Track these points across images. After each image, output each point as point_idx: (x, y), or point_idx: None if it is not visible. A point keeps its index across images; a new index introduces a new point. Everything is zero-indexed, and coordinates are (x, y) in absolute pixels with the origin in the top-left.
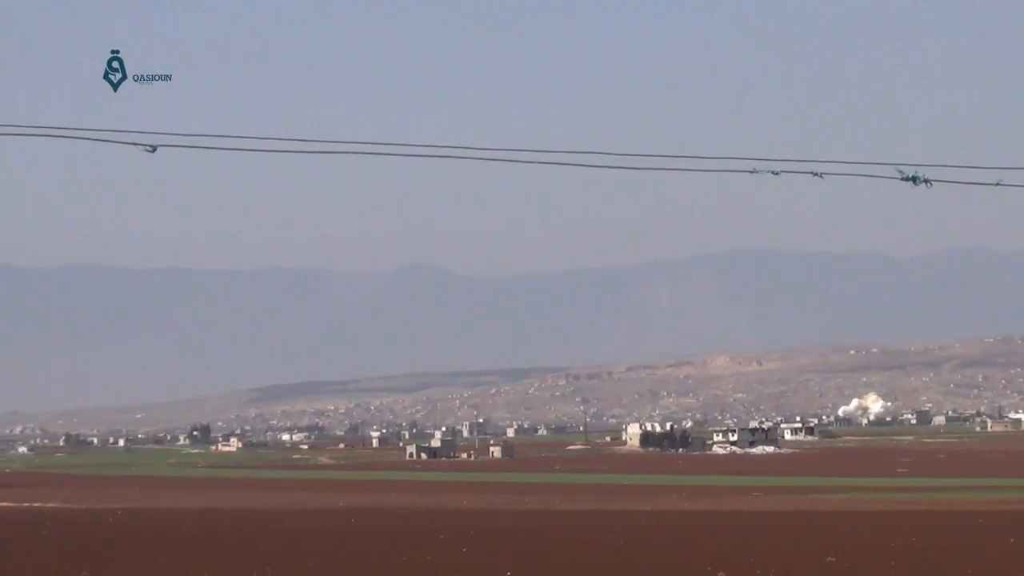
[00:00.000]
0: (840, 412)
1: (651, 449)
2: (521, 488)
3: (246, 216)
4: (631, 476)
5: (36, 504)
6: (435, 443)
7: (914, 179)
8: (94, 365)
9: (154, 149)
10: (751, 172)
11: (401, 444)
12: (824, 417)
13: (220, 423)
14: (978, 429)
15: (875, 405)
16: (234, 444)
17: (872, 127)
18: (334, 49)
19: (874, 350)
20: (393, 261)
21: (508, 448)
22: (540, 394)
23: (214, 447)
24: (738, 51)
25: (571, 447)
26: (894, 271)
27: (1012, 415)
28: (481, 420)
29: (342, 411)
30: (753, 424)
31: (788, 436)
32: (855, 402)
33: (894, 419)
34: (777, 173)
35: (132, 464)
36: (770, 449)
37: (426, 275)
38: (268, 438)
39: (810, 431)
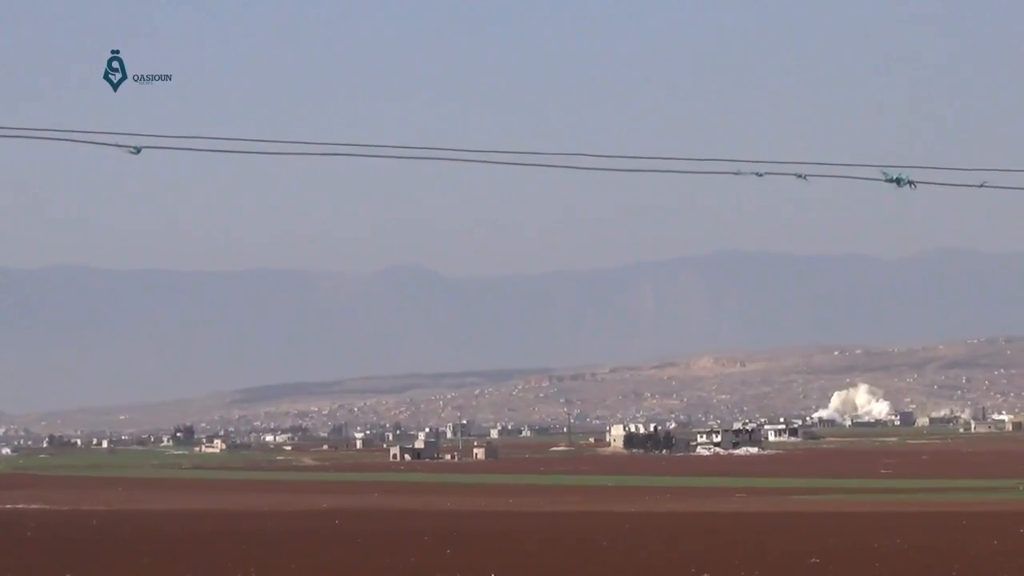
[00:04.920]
0: (823, 413)
1: (635, 450)
2: (505, 489)
3: (231, 217)
4: (615, 477)
5: (20, 505)
6: (419, 444)
7: (898, 180)
8: (78, 366)
9: (138, 151)
10: (735, 174)
11: (385, 445)
12: (808, 418)
13: (204, 424)
14: (961, 430)
15: (871, 399)
16: (218, 445)
17: (856, 129)
18: (319, 50)
19: (858, 351)
20: (377, 262)
21: (492, 449)
22: (524, 395)
23: (198, 448)
24: (722, 53)
25: (555, 448)
26: (878, 272)
27: (995, 416)
28: (465, 421)
29: (326, 412)
30: (737, 425)
31: (772, 437)
32: (837, 396)
33: (877, 421)
34: (761, 175)
35: (116, 465)
36: (754, 450)
37: (410, 276)
38: (252, 439)
39: (793, 432)
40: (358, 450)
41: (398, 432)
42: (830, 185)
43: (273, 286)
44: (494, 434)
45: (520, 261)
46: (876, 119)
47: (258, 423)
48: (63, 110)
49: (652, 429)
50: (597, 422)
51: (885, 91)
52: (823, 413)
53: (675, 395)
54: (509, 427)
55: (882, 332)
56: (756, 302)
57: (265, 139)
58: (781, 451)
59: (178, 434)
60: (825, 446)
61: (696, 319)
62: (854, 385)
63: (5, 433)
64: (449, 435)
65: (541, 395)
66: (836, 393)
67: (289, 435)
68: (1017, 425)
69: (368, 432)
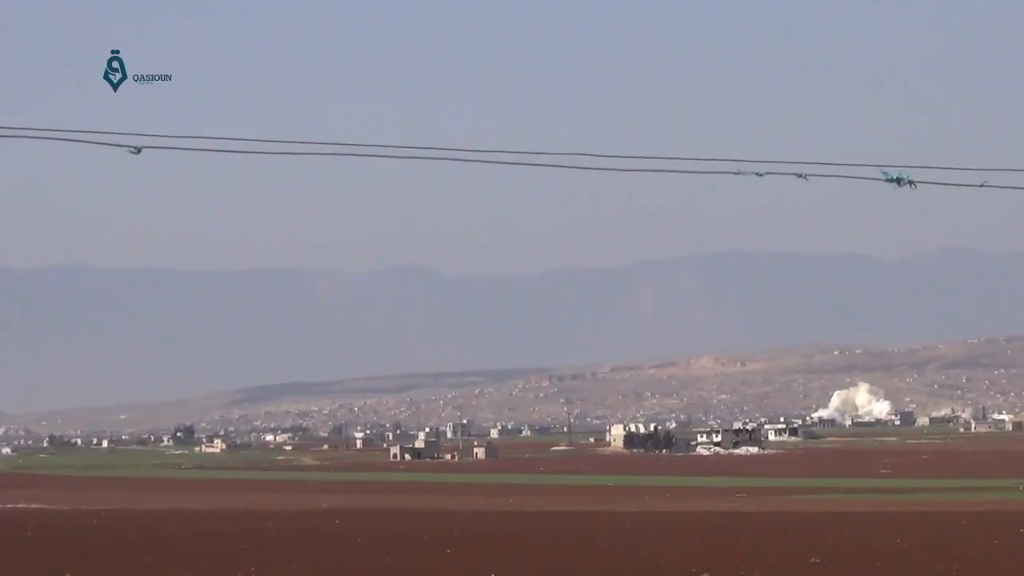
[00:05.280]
0: (823, 413)
1: (635, 450)
2: (505, 489)
3: (231, 217)
4: (615, 477)
5: (20, 505)
6: (419, 444)
7: (899, 180)
8: (78, 366)
9: (139, 151)
10: (736, 173)
11: (385, 445)
12: (808, 418)
13: (204, 424)
14: (961, 430)
15: (871, 399)
16: (218, 445)
17: (856, 129)
18: (319, 50)
19: (858, 351)
20: (378, 262)
21: (492, 449)
22: (524, 395)
23: (198, 448)
24: (723, 53)
25: (555, 448)
26: (878, 272)
27: (996, 416)
28: (465, 421)
29: (326, 412)
30: (737, 425)
31: (772, 437)
32: (838, 396)
33: (878, 420)
34: (761, 174)
35: (116, 465)
36: (754, 450)
37: (411, 276)
38: (252, 439)
39: (794, 432)
40: (358, 450)
41: (398, 432)
42: (830, 185)
43: (273, 286)
44: (494, 434)
45: (520, 261)
46: (876, 119)
47: (258, 423)
48: (63, 110)
49: (652, 429)
50: (597, 422)
51: (885, 91)
52: (823, 413)
53: (675, 395)
54: (509, 427)
55: (882, 332)
56: (756, 302)
57: (265, 139)
58: (781, 451)
59: (178, 434)
60: (825, 446)
61: (696, 319)
62: (854, 385)
63: (5, 433)
64: (449, 435)
65: (541, 395)
66: (836, 393)
67: (289, 435)
68: (1017, 425)
69: (368, 432)
